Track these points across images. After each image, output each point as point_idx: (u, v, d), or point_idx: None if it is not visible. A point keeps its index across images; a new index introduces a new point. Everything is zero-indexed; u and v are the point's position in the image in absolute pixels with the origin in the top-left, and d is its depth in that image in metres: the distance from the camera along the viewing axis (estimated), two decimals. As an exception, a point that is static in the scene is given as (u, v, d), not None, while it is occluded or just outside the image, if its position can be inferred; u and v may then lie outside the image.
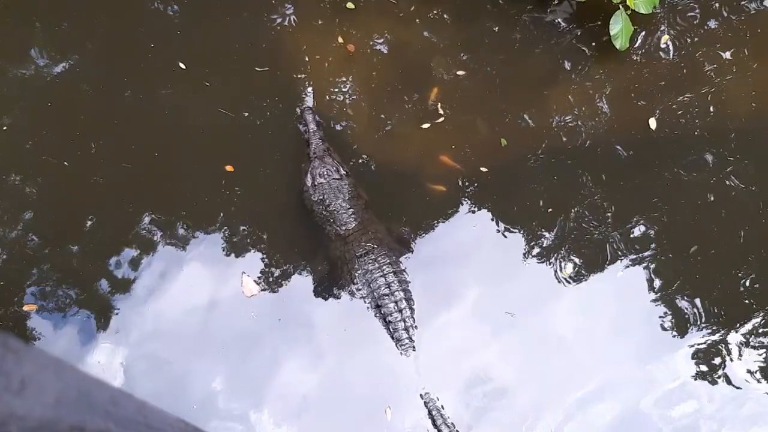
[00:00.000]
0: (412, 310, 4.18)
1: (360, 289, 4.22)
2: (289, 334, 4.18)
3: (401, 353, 4.13)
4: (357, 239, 4.29)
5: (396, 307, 4.14)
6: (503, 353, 4.14)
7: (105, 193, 4.55)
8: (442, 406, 4.04)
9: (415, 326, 4.16)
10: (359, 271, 4.22)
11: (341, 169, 4.49)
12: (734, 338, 4.19)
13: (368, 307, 4.20)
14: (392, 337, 4.15)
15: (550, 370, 4.08)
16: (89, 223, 4.47)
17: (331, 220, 4.36)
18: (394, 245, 4.39)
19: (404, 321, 4.13)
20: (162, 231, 4.46)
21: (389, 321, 4.14)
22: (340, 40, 4.96)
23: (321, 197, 4.39)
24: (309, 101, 4.75)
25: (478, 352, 4.15)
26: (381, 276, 4.17)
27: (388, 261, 4.22)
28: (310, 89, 4.77)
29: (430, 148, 4.68)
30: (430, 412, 4.03)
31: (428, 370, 4.08)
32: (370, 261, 4.22)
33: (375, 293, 4.16)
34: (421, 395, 4.07)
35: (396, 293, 4.15)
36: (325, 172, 4.44)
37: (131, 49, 4.94)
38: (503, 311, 4.19)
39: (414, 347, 4.13)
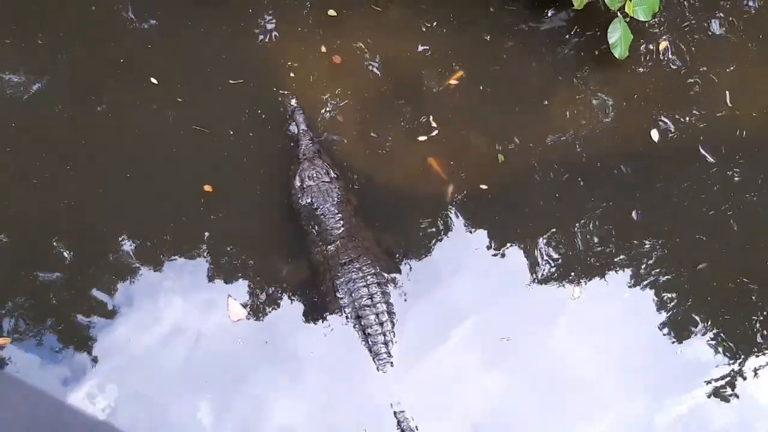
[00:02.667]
0: (393, 324, 4.03)
1: (341, 298, 4.05)
2: (274, 356, 4.08)
3: (378, 368, 3.96)
4: (343, 246, 4.18)
5: (377, 320, 3.99)
6: (503, 382, 4.02)
7: (76, 217, 4.38)
8: (416, 427, 3.82)
9: (395, 341, 3.99)
10: (341, 279, 4.08)
11: (331, 171, 4.43)
12: (749, 357, 4.09)
13: (347, 317, 4.04)
14: (370, 351, 3.98)
15: (554, 401, 3.94)
16: (61, 250, 4.31)
17: (318, 224, 4.27)
18: (381, 255, 4.27)
19: (384, 335, 3.98)
20: (139, 255, 4.32)
21: (368, 333, 3.98)
22: (324, 49, 4.88)
23: (309, 200, 4.31)
24: (294, 101, 4.63)
25: (474, 381, 4.02)
26: (364, 286, 4.04)
27: (372, 271, 4.09)
28: (293, 101, 4.64)
29: (425, 163, 4.59)
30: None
31: (415, 399, 3.92)
32: (354, 269, 4.09)
33: (356, 303, 4.02)
34: (394, 412, 3.86)
35: (378, 305, 4.01)
36: (315, 175, 4.38)
37: (99, 64, 4.81)
38: (500, 337, 4.08)
39: (392, 363, 3.96)
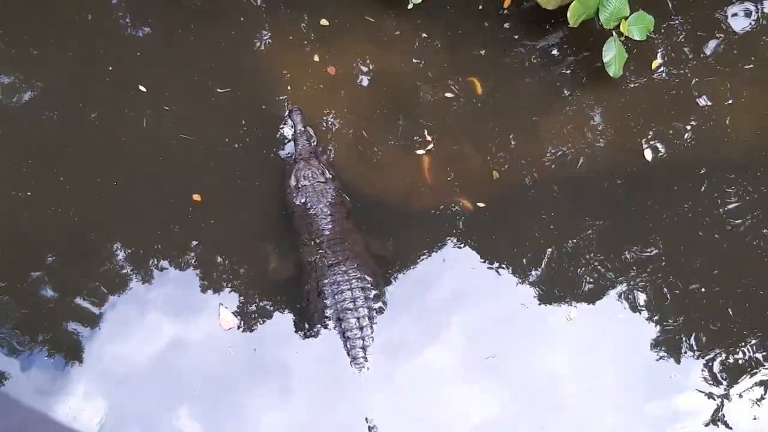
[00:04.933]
0: (372, 329, 4.05)
1: (324, 299, 4.06)
2: (263, 363, 4.10)
3: (354, 371, 3.98)
4: (331, 248, 4.19)
5: (357, 324, 4.02)
6: (486, 399, 4.02)
7: (64, 225, 4.39)
8: (385, 436, 3.85)
9: (371, 345, 4.03)
10: (327, 281, 4.09)
11: (327, 172, 4.45)
12: (738, 378, 4.09)
13: (328, 318, 4.05)
14: (348, 353, 4.01)
15: (542, 421, 3.94)
16: (49, 259, 4.33)
17: (310, 224, 4.29)
18: (369, 261, 4.27)
19: (363, 339, 4.01)
20: (129, 265, 4.33)
21: (348, 336, 4.01)
22: (317, 59, 4.88)
23: (304, 200, 4.34)
24: (289, 104, 4.67)
25: (458, 398, 4.02)
26: (348, 289, 4.06)
27: (358, 275, 4.10)
28: (287, 105, 4.68)
29: (420, 178, 4.60)
30: (371, 442, 3.80)
31: (393, 411, 3.94)
32: (340, 272, 4.10)
33: (338, 306, 4.04)
34: (365, 418, 3.90)
35: (360, 309, 4.03)
36: (310, 174, 4.41)
37: (87, 71, 4.82)
38: (488, 357, 4.08)
39: (368, 367, 3.99)
